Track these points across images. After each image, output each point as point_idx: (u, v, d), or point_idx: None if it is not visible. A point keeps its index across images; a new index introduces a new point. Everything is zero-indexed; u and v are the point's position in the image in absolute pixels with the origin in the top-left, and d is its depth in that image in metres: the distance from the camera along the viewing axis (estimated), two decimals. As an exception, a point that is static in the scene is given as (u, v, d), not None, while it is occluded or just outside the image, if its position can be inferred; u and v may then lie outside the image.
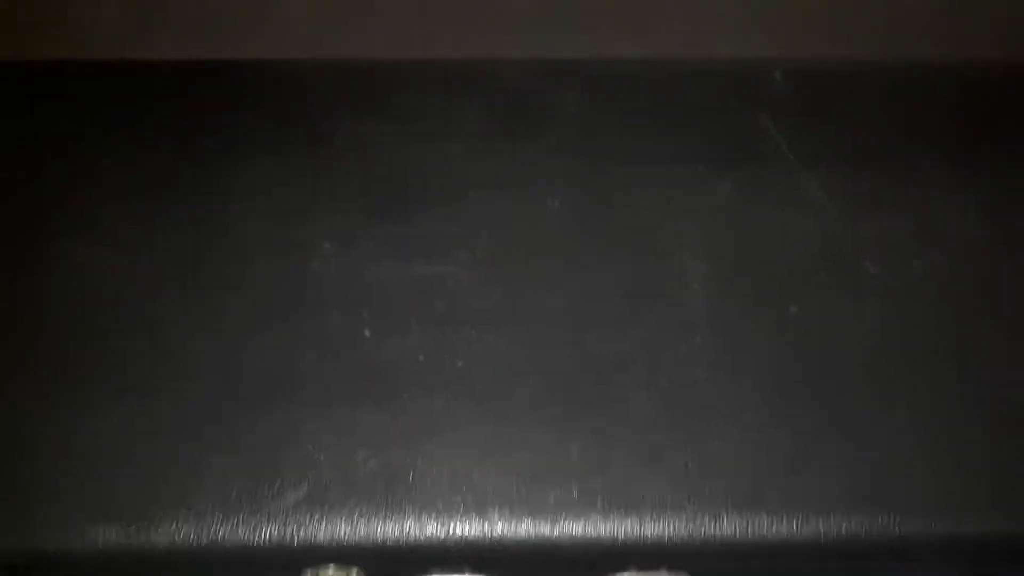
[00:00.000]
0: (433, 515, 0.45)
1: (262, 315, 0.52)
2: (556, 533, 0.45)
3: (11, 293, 0.53)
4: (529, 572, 0.48)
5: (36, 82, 0.63)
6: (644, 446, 0.47)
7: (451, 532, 0.45)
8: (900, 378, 0.50)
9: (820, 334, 0.52)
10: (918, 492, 0.46)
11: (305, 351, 0.51)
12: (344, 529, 0.45)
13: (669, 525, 0.45)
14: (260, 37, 0.72)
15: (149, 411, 0.48)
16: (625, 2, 0.69)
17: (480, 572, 0.47)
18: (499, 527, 0.45)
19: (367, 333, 0.51)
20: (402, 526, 0.45)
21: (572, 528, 0.45)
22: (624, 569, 0.47)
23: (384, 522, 0.45)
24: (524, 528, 0.45)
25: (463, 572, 0.47)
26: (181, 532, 0.45)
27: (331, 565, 0.46)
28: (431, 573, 0.47)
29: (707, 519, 0.45)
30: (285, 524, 0.45)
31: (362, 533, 0.45)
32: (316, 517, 0.45)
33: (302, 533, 0.45)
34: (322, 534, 0.45)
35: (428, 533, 0.45)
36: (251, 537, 0.45)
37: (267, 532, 0.45)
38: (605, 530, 0.45)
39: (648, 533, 0.45)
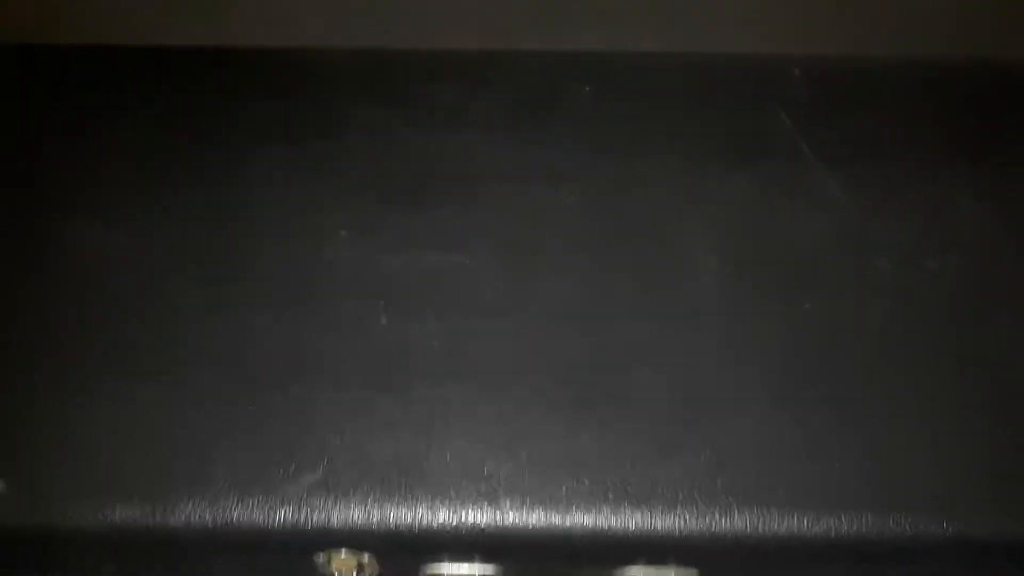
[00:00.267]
0: (445, 502, 0.46)
1: (278, 301, 0.52)
2: (566, 523, 0.46)
3: (25, 274, 0.53)
4: (538, 561, 0.48)
5: (53, 66, 0.64)
6: (656, 439, 0.48)
7: (463, 520, 0.46)
8: (913, 376, 0.50)
9: (833, 330, 0.52)
10: (930, 491, 0.46)
11: (320, 337, 0.51)
12: (357, 513, 0.46)
13: (679, 518, 0.45)
14: (276, 25, 0.72)
15: (165, 393, 0.49)
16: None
17: (490, 560, 0.48)
18: (510, 516, 0.46)
19: (383, 321, 0.52)
20: (414, 512, 0.46)
21: (582, 519, 0.46)
22: (633, 562, 0.48)
23: (397, 508, 0.46)
24: (535, 517, 0.46)
25: (473, 560, 0.48)
26: (196, 513, 0.45)
27: (343, 549, 0.47)
28: (442, 560, 0.48)
29: (717, 513, 0.45)
30: (299, 507, 0.45)
31: (375, 518, 0.46)
32: (330, 501, 0.46)
33: (316, 517, 0.45)
34: (336, 518, 0.45)
35: (440, 520, 0.46)
36: (265, 520, 0.45)
37: (281, 515, 0.45)
38: (616, 522, 0.45)
39: (658, 526, 0.45)
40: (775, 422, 0.48)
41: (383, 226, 0.56)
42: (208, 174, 0.58)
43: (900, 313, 0.53)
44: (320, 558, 0.47)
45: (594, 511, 0.46)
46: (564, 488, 0.46)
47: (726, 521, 0.45)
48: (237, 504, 0.46)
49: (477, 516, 0.46)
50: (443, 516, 0.46)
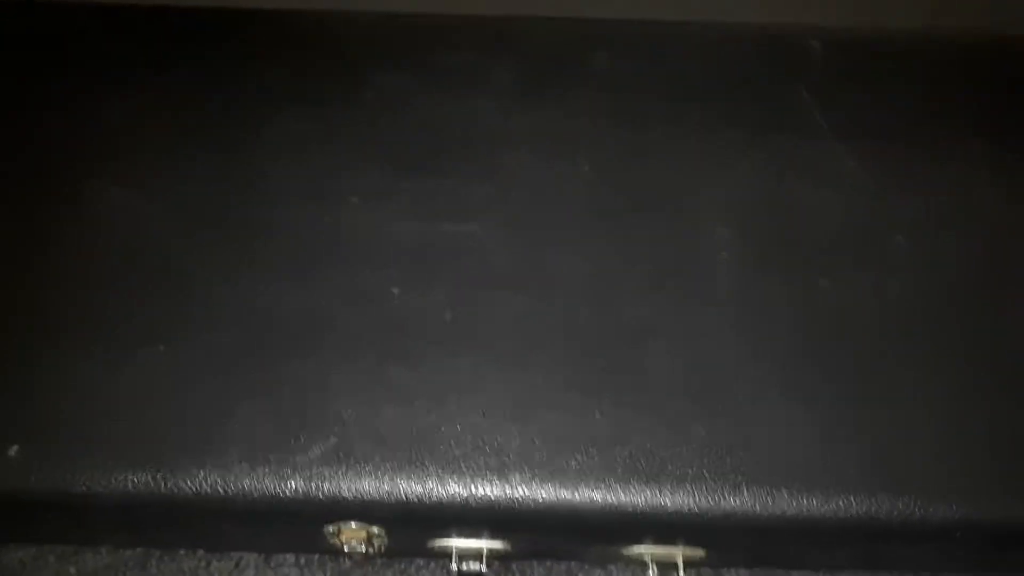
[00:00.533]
0: (455, 475, 0.46)
1: (290, 269, 0.52)
2: (576, 498, 0.46)
3: (39, 238, 0.53)
4: (546, 536, 0.49)
5: (76, 24, 0.63)
6: (667, 415, 0.48)
7: (472, 492, 0.46)
8: (927, 355, 0.50)
9: (848, 308, 0.51)
10: (940, 473, 0.46)
11: (333, 306, 0.51)
12: (368, 484, 0.46)
13: (689, 496, 0.45)
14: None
15: (179, 361, 0.49)
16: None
17: (499, 535, 0.48)
18: (520, 490, 0.46)
19: (395, 291, 0.52)
20: (424, 485, 0.46)
21: (592, 495, 0.46)
22: (641, 541, 0.48)
23: (407, 480, 0.46)
24: (544, 492, 0.46)
25: (481, 535, 0.48)
26: (208, 481, 0.46)
27: (352, 521, 0.47)
28: (450, 534, 0.48)
29: (727, 491, 0.45)
30: (310, 478, 0.46)
31: (385, 489, 0.46)
32: (340, 472, 0.46)
33: (326, 487, 0.46)
34: (346, 489, 0.46)
35: (450, 492, 0.46)
36: (276, 489, 0.46)
37: (292, 485, 0.46)
38: (625, 497, 0.45)
39: (667, 503, 0.45)
40: (787, 401, 0.48)
41: (396, 193, 0.55)
42: (223, 138, 0.58)
43: (916, 291, 0.52)
44: (330, 529, 0.48)
45: (603, 487, 0.46)
46: (574, 463, 0.46)
47: (735, 499, 0.45)
48: (248, 473, 0.46)
49: (487, 489, 0.46)
50: (453, 488, 0.46)
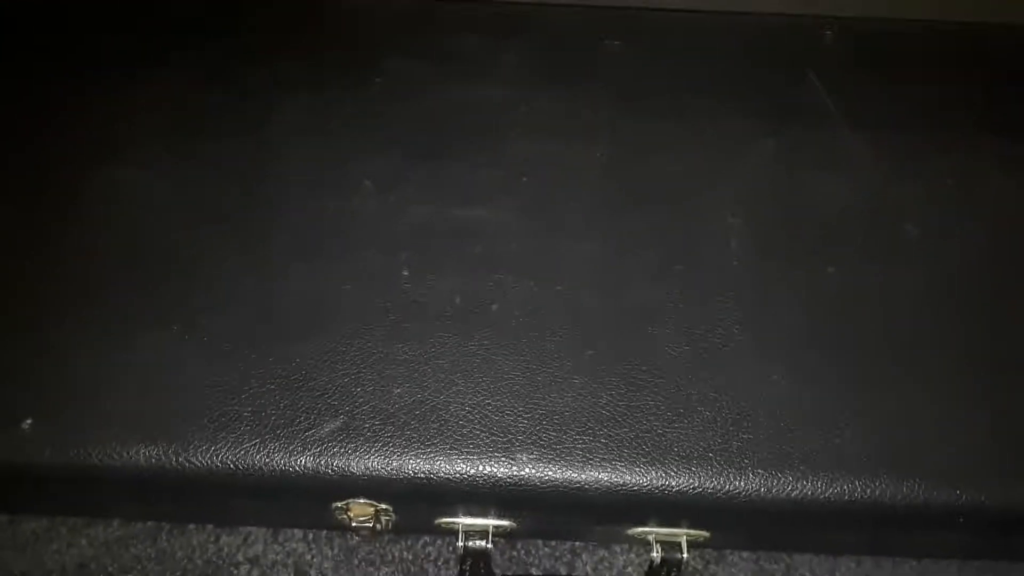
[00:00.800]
0: (463, 453, 0.46)
1: (303, 250, 0.53)
2: (581, 478, 0.46)
3: (55, 219, 0.54)
4: (552, 515, 0.49)
5: (87, 13, 0.64)
6: (673, 398, 0.48)
7: (479, 471, 0.46)
8: (935, 343, 0.50)
9: (855, 295, 0.52)
10: (946, 459, 0.46)
11: (344, 287, 0.51)
12: (376, 462, 0.46)
13: (694, 477, 0.46)
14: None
15: (192, 339, 0.49)
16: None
17: (505, 513, 0.49)
18: (527, 470, 0.46)
19: (405, 272, 0.52)
20: (432, 463, 0.46)
21: (597, 474, 0.46)
22: (647, 523, 0.49)
23: (415, 457, 0.46)
24: (551, 472, 0.46)
25: (488, 514, 0.49)
26: (219, 456, 0.46)
27: (361, 498, 0.47)
28: (457, 513, 0.49)
29: (732, 474, 0.46)
30: (319, 454, 0.46)
31: (394, 466, 0.46)
32: (349, 448, 0.46)
33: (336, 463, 0.46)
34: (354, 465, 0.46)
35: (457, 471, 0.46)
36: (286, 464, 0.46)
37: (302, 461, 0.46)
38: (630, 478, 0.46)
39: (672, 484, 0.46)
40: (793, 385, 0.48)
41: (409, 178, 0.56)
42: (237, 122, 0.58)
43: (923, 280, 0.52)
44: (338, 505, 0.48)
45: (609, 467, 0.46)
46: (580, 443, 0.47)
47: (740, 481, 0.46)
48: (259, 448, 0.46)
49: (493, 468, 0.46)
50: (460, 467, 0.46)
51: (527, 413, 0.48)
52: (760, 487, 0.46)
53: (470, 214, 0.55)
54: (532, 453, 0.46)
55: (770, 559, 0.54)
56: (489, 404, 0.48)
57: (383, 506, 0.48)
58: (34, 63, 0.61)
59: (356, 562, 0.55)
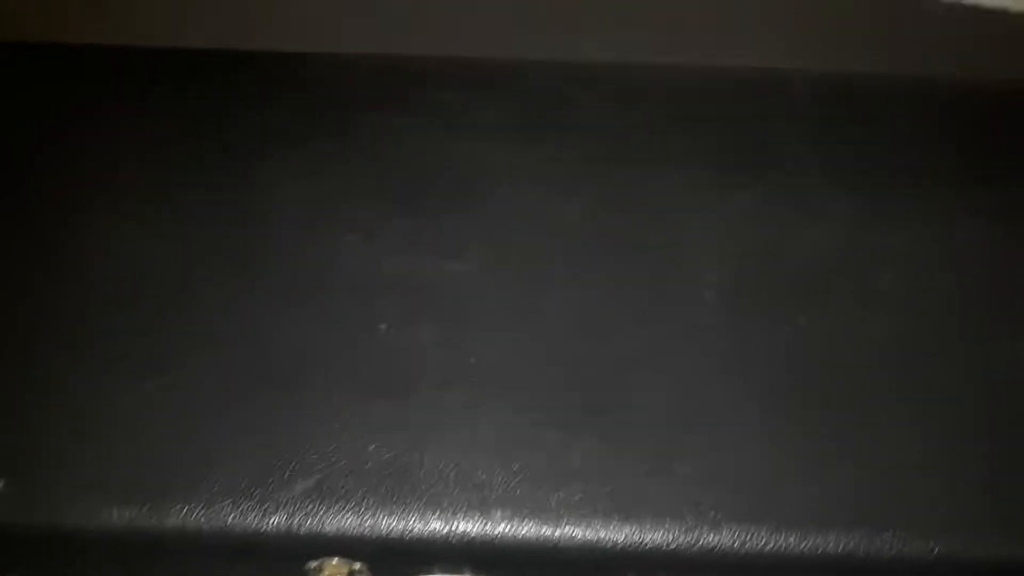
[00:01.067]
0: (437, 511, 0.46)
1: (279, 303, 0.53)
2: (557, 535, 0.46)
3: (32, 272, 0.54)
4: (529, 573, 0.49)
5: (75, 65, 0.64)
6: (648, 452, 0.48)
7: (454, 529, 0.46)
8: (907, 394, 0.50)
9: (829, 346, 0.52)
10: (920, 511, 0.46)
11: (320, 340, 0.51)
12: (350, 521, 0.46)
13: (668, 533, 0.46)
14: (289, 30, 0.73)
15: (165, 394, 0.49)
16: (650, 8, 0.69)
17: (481, 571, 0.48)
18: (501, 526, 0.46)
19: (382, 326, 0.52)
20: (406, 521, 0.46)
21: (573, 531, 0.46)
22: (622, 576, 0.48)
23: (389, 516, 0.46)
24: (526, 529, 0.46)
25: (463, 572, 0.48)
26: (192, 516, 0.46)
27: (336, 558, 0.47)
28: (433, 572, 0.48)
29: (706, 529, 0.45)
30: (292, 513, 0.46)
31: (367, 525, 0.46)
32: (323, 507, 0.46)
33: (309, 523, 0.46)
34: (328, 524, 0.46)
35: (431, 529, 0.46)
36: (259, 524, 0.46)
37: (275, 520, 0.46)
38: (605, 534, 0.46)
39: (647, 540, 0.45)
40: (767, 439, 0.48)
41: (387, 231, 0.56)
42: (220, 175, 0.59)
43: (899, 330, 0.52)
44: (312, 565, 0.48)
45: (584, 523, 0.46)
46: (554, 499, 0.46)
47: (713, 536, 0.45)
48: (231, 508, 0.46)
49: (468, 526, 0.46)
50: (434, 525, 0.46)
51: (502, 469, 0.47)
52: (733, 541, 0.45)
53: (448, 267, 0.55)
54: (507, 510, 0.46)
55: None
56: (464, 460, 0.48)
57: (357, 566, 0.48)
58: (21, 114, 0.62)
59: (334, 622, 0.54)
